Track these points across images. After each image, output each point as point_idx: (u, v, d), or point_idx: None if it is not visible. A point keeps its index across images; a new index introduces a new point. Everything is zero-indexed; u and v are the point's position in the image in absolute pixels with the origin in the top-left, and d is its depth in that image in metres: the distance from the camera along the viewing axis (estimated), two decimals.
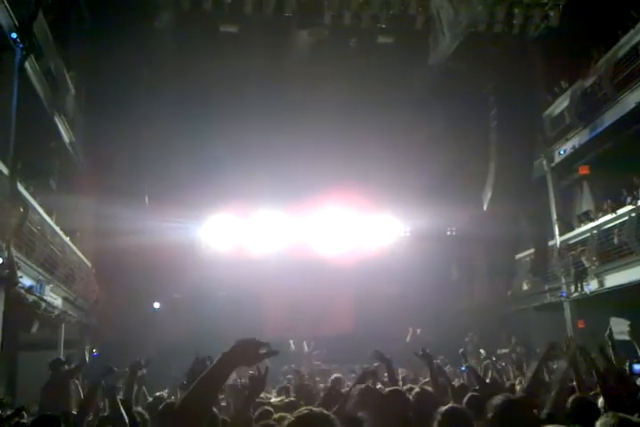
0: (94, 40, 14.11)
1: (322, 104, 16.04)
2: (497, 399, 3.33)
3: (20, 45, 10.44)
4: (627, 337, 14.29)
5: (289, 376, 11.75)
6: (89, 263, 15.53)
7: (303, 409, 2.32)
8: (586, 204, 18.54)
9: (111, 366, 5.17)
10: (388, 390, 4.65)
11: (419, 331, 18.41)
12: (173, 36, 15.23)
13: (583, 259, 16.90)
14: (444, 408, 3.71)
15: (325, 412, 2.30)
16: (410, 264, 18.18)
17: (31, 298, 11.21)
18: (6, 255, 10.00)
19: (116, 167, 14.31)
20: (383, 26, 16.06)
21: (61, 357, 10.90)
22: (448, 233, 19.71)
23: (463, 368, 8.92)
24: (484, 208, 17.82)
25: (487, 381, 6.79)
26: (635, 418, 2.37)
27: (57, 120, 12.67)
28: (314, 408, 2.33)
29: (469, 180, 17.96)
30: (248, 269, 17.78)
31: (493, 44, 16.39)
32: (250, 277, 17.90)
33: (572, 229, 18.05)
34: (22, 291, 10.80)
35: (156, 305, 18.53)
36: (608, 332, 6.03)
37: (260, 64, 15.78)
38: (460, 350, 8.73)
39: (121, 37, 13.29)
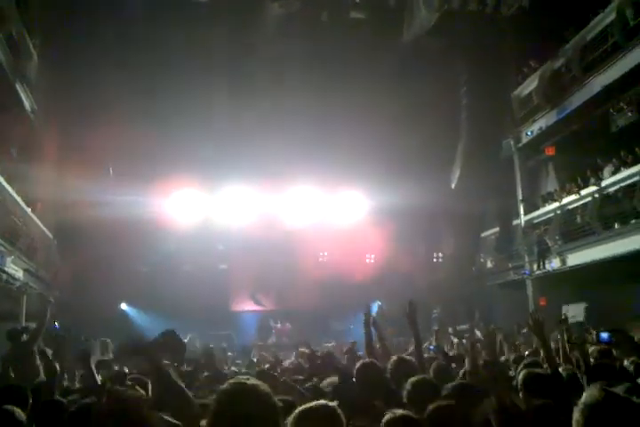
0: (57, 6, 13.56)
1: (291, 78, 15.83)
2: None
3: None
4: (581, 319, 14.88)
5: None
6: (50, 235, 15.21)
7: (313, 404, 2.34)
8: (551, 184, 18.87)
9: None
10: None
11: (382, 305, 18.65)
12: (141, 1, 14.72)
13: (546, 238, 17.30)
14: (413, 378, 3.85)
15: (331, 405, 2.32)
16: (376, 240, 18.33)
17: None
18: None
19: (79, 137, 13.91)
20: (357, 0, 15.85)
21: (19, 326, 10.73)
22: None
23: (431, 347, 9.12)
24: (452, 186, 17.98)
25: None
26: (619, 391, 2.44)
27: (18, 87, 12.23)
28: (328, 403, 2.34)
29: (438, 157, 18.04)
30: (213, 244, 17.73)
31: (467, 22, 16.33)
32: (215, 251, 17.87)
33: (537, 208, 18.40)
34: None
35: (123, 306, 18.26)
36: (563, 317, 6.22)
37: (229, 35, 15.41)
38: (434, 328, 8.99)
39: (86, 3, 12.80)
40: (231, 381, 2.11)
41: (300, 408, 2.32)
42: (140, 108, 14.87)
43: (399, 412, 2.97)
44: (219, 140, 15.92)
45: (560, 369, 4.66)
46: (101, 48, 13.95)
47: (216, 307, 17.97)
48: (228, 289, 19.03)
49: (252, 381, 2.07)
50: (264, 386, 2.05)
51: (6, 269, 11.59)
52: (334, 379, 4.67)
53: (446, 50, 17.10)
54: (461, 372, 5.13)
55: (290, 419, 2.26)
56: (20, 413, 3.61)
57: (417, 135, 17.25)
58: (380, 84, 16.25)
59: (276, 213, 18.68)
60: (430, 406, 3.26)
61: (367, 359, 5.00)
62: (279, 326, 18.16)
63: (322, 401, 2.39)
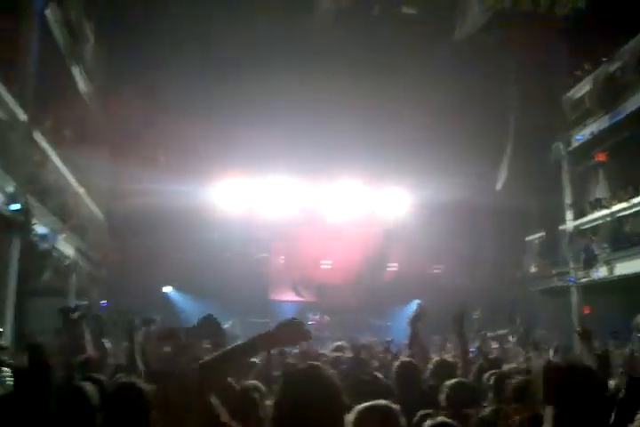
0: None
1: (341, 72, 15.91)
2: None
3: None
4: None
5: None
6: (102, 216, 15.71)
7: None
8: (600, 191, 18.35)
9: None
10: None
11: (421, 303, 18.47)
12: None
13: (594, 245, 16.86)
14: (452, 381, 3.83)
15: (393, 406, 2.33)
16: (418, 237, 18.20)
17: (44, 246, 11.43)
18: (22, 202, 10.16)
19: (132, 122, 14.33)
20: None
21: (70, 305, 11.15)
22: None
23: (472, 349, 9.03)
24: (498, 187, 17.72)
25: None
26: None
27: (74, 70, 12.63)
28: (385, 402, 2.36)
29: (484, 156, 17.81)
30: (257, 233, 17.95)
31: (519, 21, 16.10)
32: (258, 240, 18.09)
33: (585, 214, 17.93)
34: (36, 238, 10.99)
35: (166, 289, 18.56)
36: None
37: (282, 27, 15.63)
38: (482, 332, 8.89)
39: None
40: (301, 365, 2.14)
41: (362, 407, 2.32)
42: (193, 97, 15.21)
43: (440, 419, 2.94)
44: (267, 131, 16.13)
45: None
46: (157, 33, 14.30)
47: (255, 295, 18.20)
48: (267, 278, 19.21)
49: (319, 366, 2.07)
50: (329, 372, 2.05)
51: (58, 246, 12.05)
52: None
53: (497, 49, 16.91)
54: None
55: (351, 417, 2.25)
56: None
57: (464, 133, 17.08)
58: (428, 81, 16.18)
59: (319, 206, 18.77)
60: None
61: (406, 359, 4.99)
62: (318, 317, 18.22)
63: (382, 401, 2.39)
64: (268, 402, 2.62)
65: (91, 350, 5.73)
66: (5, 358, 5.13)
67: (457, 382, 3.85)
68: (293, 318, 2.06)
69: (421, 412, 3.31)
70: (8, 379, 4.78)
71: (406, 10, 16.09)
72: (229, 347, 2.05)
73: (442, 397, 3.74)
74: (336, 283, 19.35)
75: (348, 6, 15.37)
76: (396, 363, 4.69)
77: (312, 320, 18.09)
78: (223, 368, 2.02)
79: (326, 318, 18.35)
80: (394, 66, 16.48)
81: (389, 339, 9.09)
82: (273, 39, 15.64)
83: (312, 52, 16.19)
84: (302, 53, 16.09)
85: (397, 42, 16.13)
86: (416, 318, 5.62)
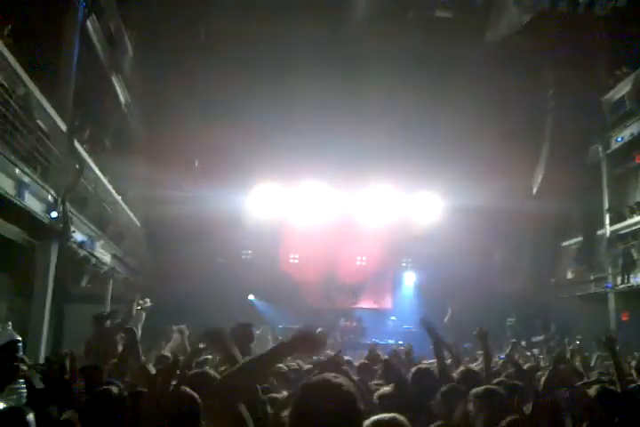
0: (153, 1, 14.11)
1: (374, 77, 15.81)
2: None
3: (83, 4, 10.58)
4: None
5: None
6: (138, 223, 15.90)
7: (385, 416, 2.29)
8: None
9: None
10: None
11: (451, 310, 18.21)
12: None
13: (633, 251, 16.44)
14: (478, 389, 3.70)
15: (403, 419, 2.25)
16: (452, 244, 17.97)
17: (82, 253, 11.59)
18: (61, 210, 10.32)
19: (168, 131, 14.46)
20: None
21: (104, 312, 11.26)
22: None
23: (501, 356, 8.87)
24: (534, 191, 17.39)
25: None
26: None
27: (114, 80, 12.83)
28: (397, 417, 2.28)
29: (519, 160, 17.49)
30: (290, 239, 17.95)
31: (558, 22, 15.79)
32: (292, 246, 18.10)
33: (624, 218, 17.49)
34: (74, 245, 11.15)
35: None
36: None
37: (316, 33, 15.61)
38: (512, 340, 8.76)
39: None
40: (317, 376, 2.10)
41: (372, 421, 2.25)
42: (228, 105, 15.28)
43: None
44: (300, 137, 16.13)
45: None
46: (194, 42, 14.42)
47: (286, 300, 18.22)
48: (297, 283, 19.16)
49: (339, 378, 2.04)
50: (349, 385, 2.01)
51: (95, 252, 12.21)
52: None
53: (534, 50, 16.60)
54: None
55: None
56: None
57: (499, 137, 16.81)
58: (462, 84, 15.97)
59: (352, 210, 18.68)
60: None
61: (422, 365, 4.92)
62: (347, 323, 18.14)
63: (392, 414, 2.31)
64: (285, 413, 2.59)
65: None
66: (24, 369, 5.13)
67: (485, 389, 3.73)
68: (306, 327, 2.17)
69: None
70: (23, 391, 4.79)
71: (440, 13, 15.93)
72: (254, 356, 2.17)
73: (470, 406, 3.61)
74: (365, 287, 19.27)
75: (383, 11, 15.26)
76: (413, 369, 4.61)
77: (342, 325, 18.02)
78: (250, 376, 2.13)
79: (354, 323, 18.26)
80: (428, 70, 16.31)
81: (408, 343, 8.96)
82: (307, 46, 15.62)
83: (346, 57, 16.14)
84: (336, 59, 16.05)
85: (432, 46, 15.96)
86: (425, 324, 5.41)
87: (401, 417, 2.30)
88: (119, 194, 13.85)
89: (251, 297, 19.04)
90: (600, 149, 18.22)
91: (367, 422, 2.25)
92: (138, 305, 9.55)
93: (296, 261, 19.82)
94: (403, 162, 16.49)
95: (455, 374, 4.64)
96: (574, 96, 16.92)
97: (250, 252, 19.43)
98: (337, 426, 1.90)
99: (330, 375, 2.06)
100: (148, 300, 9.90)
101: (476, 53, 16.34)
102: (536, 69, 16.90)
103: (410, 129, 16.82)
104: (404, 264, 20.57)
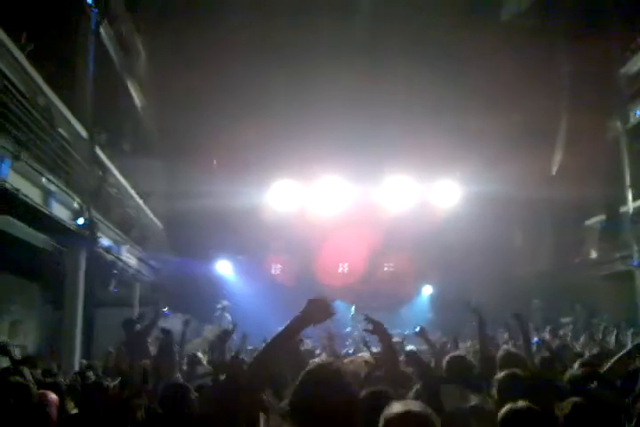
0: (164, 4, 14.12)
1: (388, 66, 15.66)
2: None
3: (95, 10, 10.58)
4: None
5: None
6: (160, 225, 15.99)
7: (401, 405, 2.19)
8: None
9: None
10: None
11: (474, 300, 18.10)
12: None
13: None
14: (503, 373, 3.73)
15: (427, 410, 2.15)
16: (472, 228, 17.84)
17: (109, 257, 11.69)
18: (87, 216, 10.40)
19: (185, 130, 14.48)
20: None
21: (133, 317, 11.35)
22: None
23: (536, 340, 8.83)
24: (553, 171, 17.20)
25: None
26: None
27: (129, 84, 12.88)
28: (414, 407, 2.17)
29: (537, 141, 17.26)
30: (309, 233, 17.92)
31: None
32: (310, 241, 18.07)
33: None
34: (101, 250, 11.26)
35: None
36: None
37: (331, 28, 15.46)
38: (548, 328, 8.73)
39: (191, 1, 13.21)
40: (317, 363, 2.19)
41: (393, 411, 2.14)
42: (243, 101, 15.23)
43: (521, 403, 2.83)
44: (317, 131, 16.04)
45: None
46: (206, 44, 14.36)
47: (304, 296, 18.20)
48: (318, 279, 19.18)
49: (336, 364, 2.14)
50: (346, 372, 2.11)
51: (122, 256, 12.32)
52: None
53: (547, 26, 16.32)
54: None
55: (381, 421, 2.13)
56: None
57: (515, 119, 16.60)
58: (476, 67, 15.77)
59: (370, 204, 18.57)
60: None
61: (455, 353, 4.98)
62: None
63: (414, 403, 2.21)
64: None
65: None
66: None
67: (508, 373, 3.73)
68: (316, 296, 2.31)
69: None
70: None
71: None
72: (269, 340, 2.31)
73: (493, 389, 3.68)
74: (381, 281, 19.26)
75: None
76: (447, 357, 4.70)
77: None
78: (268, 360, 2.29)
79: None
80: (441, 56, 16.11)
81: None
82: (323, 43, 15.51)
83: (361, 49, 15.97)
84: (352, 52, 15.89)
85: (443, 32, 15.73)
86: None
87: (426, 407, 2.17)
88: (140, 197, 13.93)
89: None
90: (619, 124, 17.95)
91: (388, 413, 2.15)
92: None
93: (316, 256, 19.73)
94: (420, 149, 16.35)
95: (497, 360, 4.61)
96: (589, 71, 16.63)
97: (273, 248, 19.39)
98: (335, 412, 1.97)
99: (330, 363, 2.18)
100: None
101: (489, 34, 16.09)
102: (550, 47, 16.62)
103: (424, 118, 16.64)
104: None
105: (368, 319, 3.48)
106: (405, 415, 2.09)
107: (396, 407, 2.13)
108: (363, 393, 2.86)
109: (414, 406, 2.15)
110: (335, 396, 1.98)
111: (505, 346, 6.12)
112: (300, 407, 2.04)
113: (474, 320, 5.44)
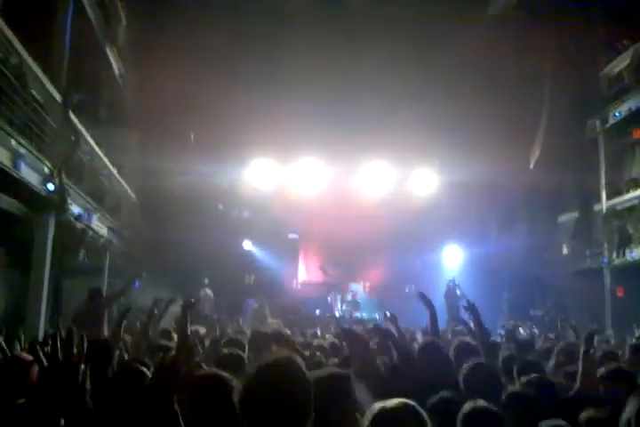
0: None
1: (369, 51, 15.59)
2: None
3: None
4: None
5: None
6: (134, 196, 15.83)
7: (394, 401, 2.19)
8: (636, 169, 17.88)
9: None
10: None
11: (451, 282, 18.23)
12: None
13: (628, 226, 16.50)
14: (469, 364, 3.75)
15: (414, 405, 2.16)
16: (448, 218, 17.97)
17: (79, 226, 11.55)
18: (57, 182, 10.24)
19: (163, 103, 14.29)
20: None
21: (100, 287, 11.26)
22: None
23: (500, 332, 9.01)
24: (531, 166, 17.34)
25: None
26: None
27: (108, 51, 12.63)
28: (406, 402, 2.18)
29: (517, 133, 17.37)
30: (285, 213, 17.92)
31: None
32: (285, 220, 18.08)
33: (620, 194, 17.52)
34: (71, 218, 11.10)
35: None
36: None
37: (310, 5, 15.32)
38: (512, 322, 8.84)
39: None
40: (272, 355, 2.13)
41: (379, 408, 2.14)
42: (224, 77, 15.07)
43: (480, 403, 2.81)
44: (297, 112, 15.95)
45: None
46: (187, 14, 14.15)
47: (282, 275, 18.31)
48: (297, 259, 19.25)
49: (288, 356, 2.06)
50: (298, 362, 2.03)
51: (92, 225, 12.18)
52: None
53: (531, 24, 16.37)
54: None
55: (367, 419, 2.13)
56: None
57: (496, 111, 16.67)
58: (460, 58, 15.77)
59: (348, 186, 18.59)
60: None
61: (429, 339, 4.96)
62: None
63: (401, 400, 2.17)
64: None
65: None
66: None
67: (476, 364, 3.76)
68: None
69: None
70: None
71: None
72: None
73: (460, 379, 3.68)
74: (362, 262, 19.33)
75: None
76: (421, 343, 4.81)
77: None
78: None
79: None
80: (424, 43, 16.07)
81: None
82: (303, 16, 15.36)
83: (341, 27, 15.86)
84: (331, 32, 15.78)
85: (429, 19, 15.69)
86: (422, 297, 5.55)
87: (413, 403, 2.17)
88: (114, 166, 13.76)
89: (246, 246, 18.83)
90: (598, 123, 18.15)
91: (375, 410, 2.15)
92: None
93: (294, 236, 19.76)
94: (398, 137, 16.35)
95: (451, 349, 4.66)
96: (572, 70, 16.76)
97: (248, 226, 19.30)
98: (287, 405, 1.91)
99: (286, 355, 2.07)
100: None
101: (475, 27, 16.09)
102: (535, 43, 16.68)
103: (405, 104, 16.63)
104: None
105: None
106: (398, 409, 2.12)
107: (389, 402, 2.15)
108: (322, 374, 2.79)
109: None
110: (288, 398, 1.92)
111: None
112: (251, 408, 1.96)
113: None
